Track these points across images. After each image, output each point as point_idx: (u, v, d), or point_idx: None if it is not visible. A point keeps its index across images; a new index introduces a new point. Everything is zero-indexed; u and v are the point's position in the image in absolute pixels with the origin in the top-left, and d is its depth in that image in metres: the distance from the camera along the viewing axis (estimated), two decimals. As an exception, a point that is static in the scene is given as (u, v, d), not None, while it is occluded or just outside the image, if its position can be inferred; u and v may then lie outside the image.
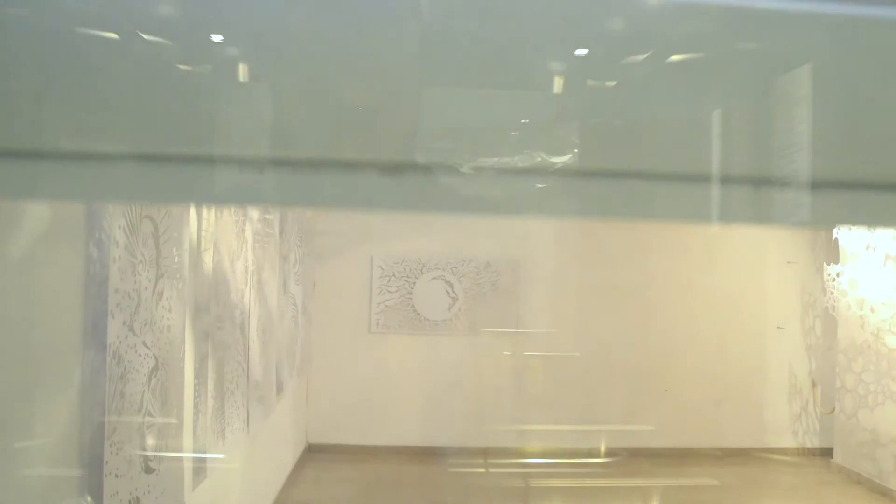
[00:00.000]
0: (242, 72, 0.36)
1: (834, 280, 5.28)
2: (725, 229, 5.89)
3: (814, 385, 5.87)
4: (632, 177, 0.40)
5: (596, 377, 5.72)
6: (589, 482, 5.35)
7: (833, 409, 5.51)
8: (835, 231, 5.47)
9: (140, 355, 2.08)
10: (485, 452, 5.56)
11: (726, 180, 0.40)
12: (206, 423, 2.75)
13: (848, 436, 5.23)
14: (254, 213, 3.41)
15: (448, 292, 5.56)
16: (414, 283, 5.54)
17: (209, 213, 2.78)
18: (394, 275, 5.54)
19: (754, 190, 0.40)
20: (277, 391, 4.16)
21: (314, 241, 5.39)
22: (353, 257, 5.57)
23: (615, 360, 5.74)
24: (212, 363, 2.81)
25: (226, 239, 2.98)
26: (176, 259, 2.34)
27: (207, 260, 2.80)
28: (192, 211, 2.60)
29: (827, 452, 5.61)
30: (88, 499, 1.82)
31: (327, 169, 0.36)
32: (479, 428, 5.61)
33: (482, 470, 5.47)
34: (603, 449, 5.79)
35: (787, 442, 5.88)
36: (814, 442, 5.87)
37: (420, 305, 5.54)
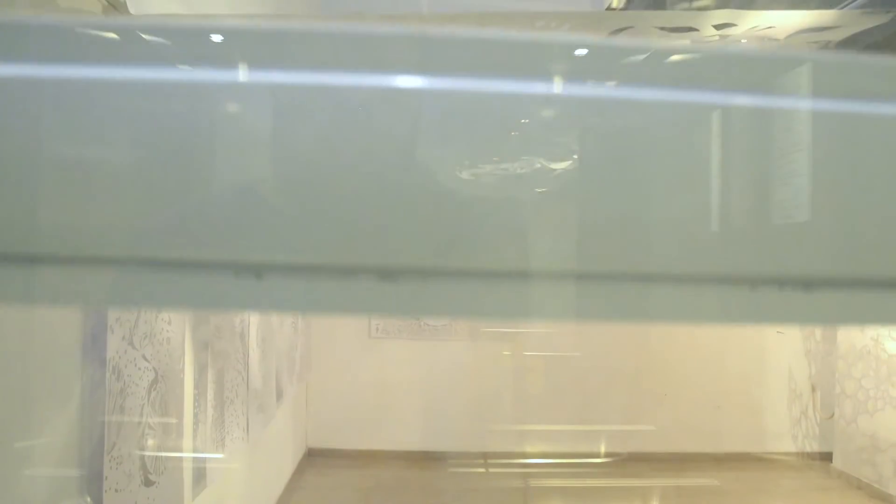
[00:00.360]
0: (235, 175, 0.36)
1: (833, 285, 5.28)
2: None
3: (813, 389, 5.88)
4: (626, 279, 0.41)
5: (595, 380, 5.72)
6: (588, 482, 5.36)
7: (833, 414, 5.51)
8: (834, 236, 5.47)
9: (140, 369, 2.08)
10: (485, 456, 5.57)
11: (723, 280, 0.40)
12: (205, 433, 2.76)
13: (848, 441, 5.24)
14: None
15: (448, 297, 5.55)
16: (414, 287, 5.54)
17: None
18: (393, 280, 5.53)
19: (751, 290, 0.40)
20: (277, 398, 4.16)
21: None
22: (352, 262, 5.56)
23: (614, 364, 5.74)
24: (211, 373, 2.81)
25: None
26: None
27: (207, 270, 2.80)
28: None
29: (826, 457, 5.62)
30: (88, 499, 1.83)
31: (325, 274, 0.36)
32: (479, 432, 5.62)
33: (482, 470, 5.48)
34: (602, 450, 5.79)
35: (787, 446, 5.89)
36: (813, 447, 5.87)
37: (420, 310, 5.54)
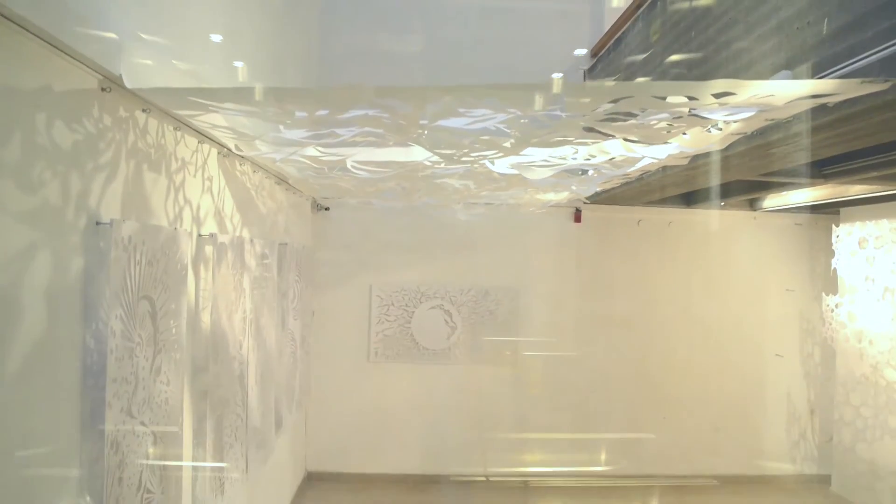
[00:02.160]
0: None
1: (833, 311, 5.29)
2: (725, 259, 5.89)
3: (812, 413, 5.88)
4: None
5: (595, 405, 5.73)
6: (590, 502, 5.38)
7: (831, 438, 5.51)
8: (833, 261, 5.48)
9: (138, 435, 2.08)
10: (485, 481, 5.58)
11: None
12: (204, 485, 2.76)
13: (846, 465, 5.24)
14: (252, 260, 3.41)
15: (447, 321, 5.56)
16: (413, 312, 5.54)
17: (207, 272, 2.77)
18: (392, 304, 5.53)
19: None
20: (276, 428, 4.16)
21: (313, 270, 5.39)
22: (352, 286, 5.56)
23: (614, 388, 5.74)
24: (210, 422, 2.81)
25: (224, 292, 2.98)
26: (174, 331, 2.34)
27: (206, 319, 2.79)
28: (191, 274, 2.60)
29: (825, 479, 5.62)
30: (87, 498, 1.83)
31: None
32: (477, 456, 5.62)
33: (483, 488, 5.48)
34: (602, 467, 5.80)
35: (786, 469, 5.89)
36: (812, 469, 5.87)
37: (419, 334, 5.54)
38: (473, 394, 5.60)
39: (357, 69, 5.76)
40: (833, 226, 5.39)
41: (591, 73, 5.60)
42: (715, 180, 4.31)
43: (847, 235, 5.26)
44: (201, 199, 2.76)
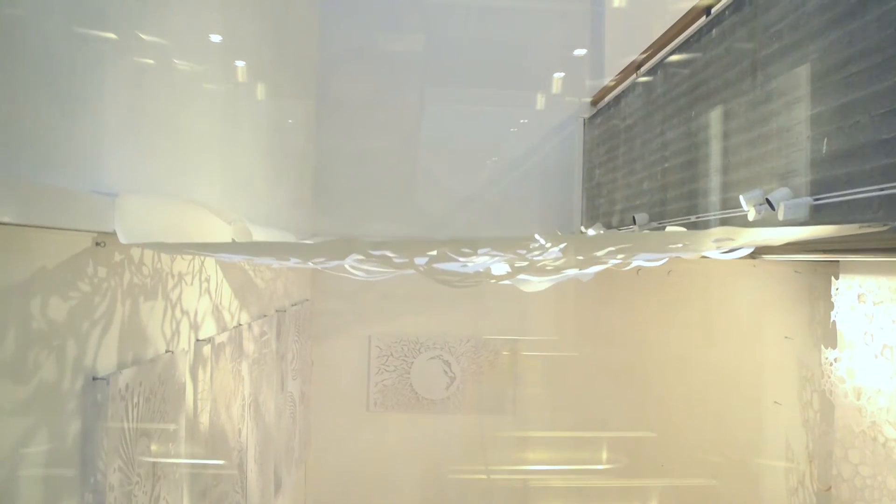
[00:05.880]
0: None
1: (832, 364, 5.28)
2: (723, 305, 5.89)
3: (810, 460, 5.89)
4: None
5: (594, 453, 5.74)
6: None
7: (829, 487, 5.52)
8: (833, 313, 5.47)
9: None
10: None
11: None
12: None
13: (844, 517, 5.24)
14: (250, 345, 3.41)
15: (446, 371, 5.56)
16: (412, 362, 5.54)
17: (205, 374, 2.77)
18: (391, 354, 5.54)
19: None
20: (276, 490, 4.17)
21: (312, 321, 5.39)
22: (350, 337, 5.57)
23: (612, 437, 5.75)
24: (209, 522, 2.82)
25: (223, 388, 2.98)
26: (172, 454, 2.34)
27: (204, 420, 2.80)
28: (189, 381, 2.60)
29: (823, 527, 5.63)
30: None
31: None
32: None
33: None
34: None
35: (784, 515, 5.90)
36: (810, 516, 5.88)
37: (418, 384, 5.55)
38: (473, 443, 5.61)
39: (357, 69, 5.76)
40: (833, 278, 5.39)
41: (591, 121, 5.59)
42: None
43: (847, 290, 5.25)
44: (199, 302, 2.76)
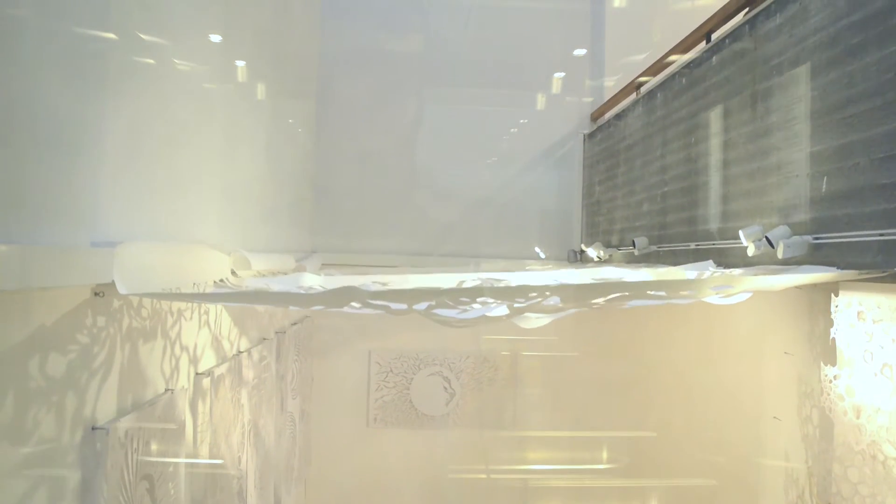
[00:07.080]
0: None
1: (831, 381, 5.28)
2: (723, 320, 5.89)
3: (810, 475, 5.88)
4: None
5: (593, 468, 5.74)
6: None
7: (829, 503, 5.52)
8: (832, 330, 5.47)
9: None
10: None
11: None
12: None
13: (843, 534, 5.24)
14: (250, 372, 3.41)
15: (445, 388, 5.57)
16: (412, 378, 5.55)
17: (204, 406, 2.77)
18: (391, 370, 5.54)
19: None
20: (275, 511, 4.17)
21: (313, 338, 5.39)
22: (351, 353, 5.57)
23: (611, 452, 5.75)
24: (208, 555, 2.82)
25: (222, 418, 2.98)
26: (172, 493, 2.34)
27: (204, 452, 2.80)
28: (188, 415, 2.60)
29: (823, 542, 5.63)
30: None
31: None
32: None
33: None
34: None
35: (784, 530, 5.90)
36: (810, 531, 5.88)
37: (417, 400, 5.55)
38: (473, 458, 5.61)
39: (357, 69, 5.75)
40: (832, 295, 5.38)
41: (591, 137, 5.59)
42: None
43: (846, 307, 5.25)
44: (198, 336, 2.76)
